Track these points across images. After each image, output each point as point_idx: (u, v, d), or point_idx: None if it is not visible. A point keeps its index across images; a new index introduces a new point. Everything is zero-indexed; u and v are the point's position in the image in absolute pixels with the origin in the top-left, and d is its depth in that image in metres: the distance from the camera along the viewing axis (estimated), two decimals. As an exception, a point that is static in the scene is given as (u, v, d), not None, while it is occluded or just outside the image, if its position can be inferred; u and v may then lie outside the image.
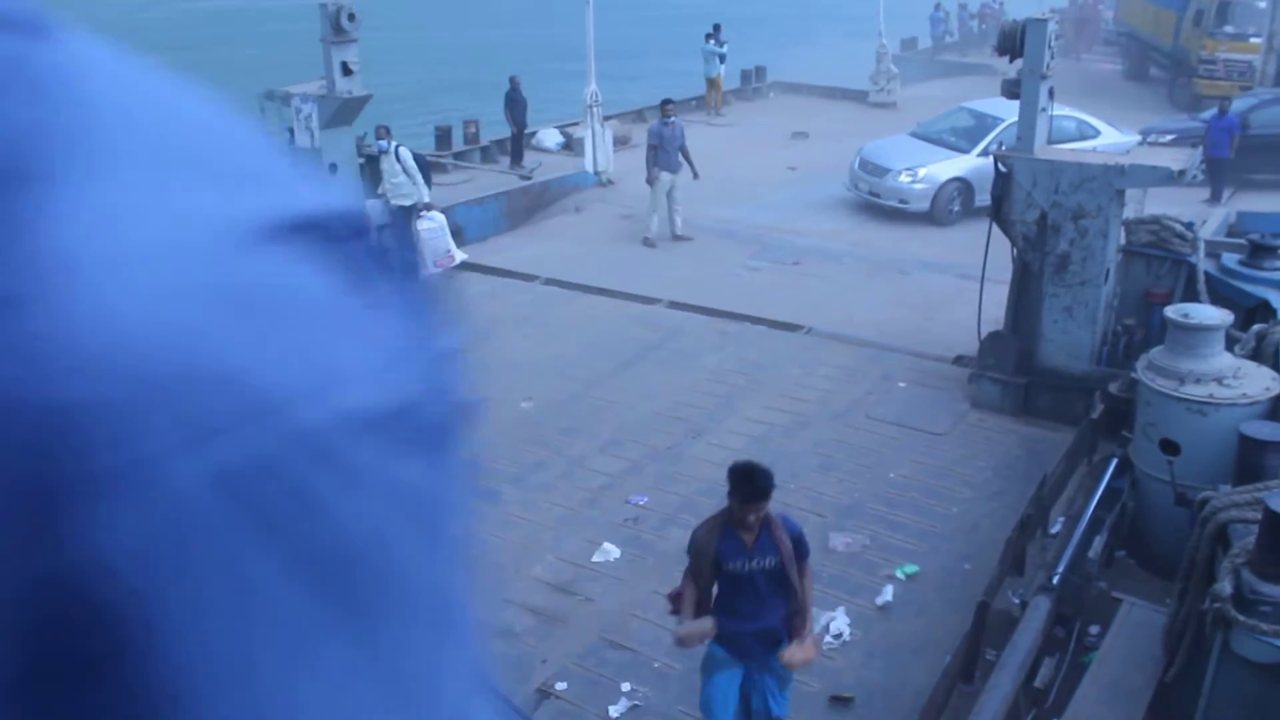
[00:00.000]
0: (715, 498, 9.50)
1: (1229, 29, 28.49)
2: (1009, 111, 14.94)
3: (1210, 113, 22.26)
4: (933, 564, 8.61)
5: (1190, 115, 24.14)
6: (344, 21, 15.46)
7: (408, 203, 14.92)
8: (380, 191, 15.08)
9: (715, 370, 12.36)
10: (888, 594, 8.15)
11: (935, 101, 26.52)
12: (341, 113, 15.77)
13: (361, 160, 16.64)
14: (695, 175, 17.54)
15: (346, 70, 15.63)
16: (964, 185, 18.46)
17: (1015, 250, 11.03)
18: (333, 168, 15.81)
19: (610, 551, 8.82)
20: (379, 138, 15.43)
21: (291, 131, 16.08)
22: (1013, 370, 11.17)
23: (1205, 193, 19.71)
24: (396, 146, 15.07)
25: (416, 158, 15.31)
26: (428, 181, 15.49)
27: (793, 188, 20.78)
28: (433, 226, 14.89)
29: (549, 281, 15.50)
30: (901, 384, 11.93)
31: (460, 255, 15.34)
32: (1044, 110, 10.83)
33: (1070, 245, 10.57)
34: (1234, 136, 20.21)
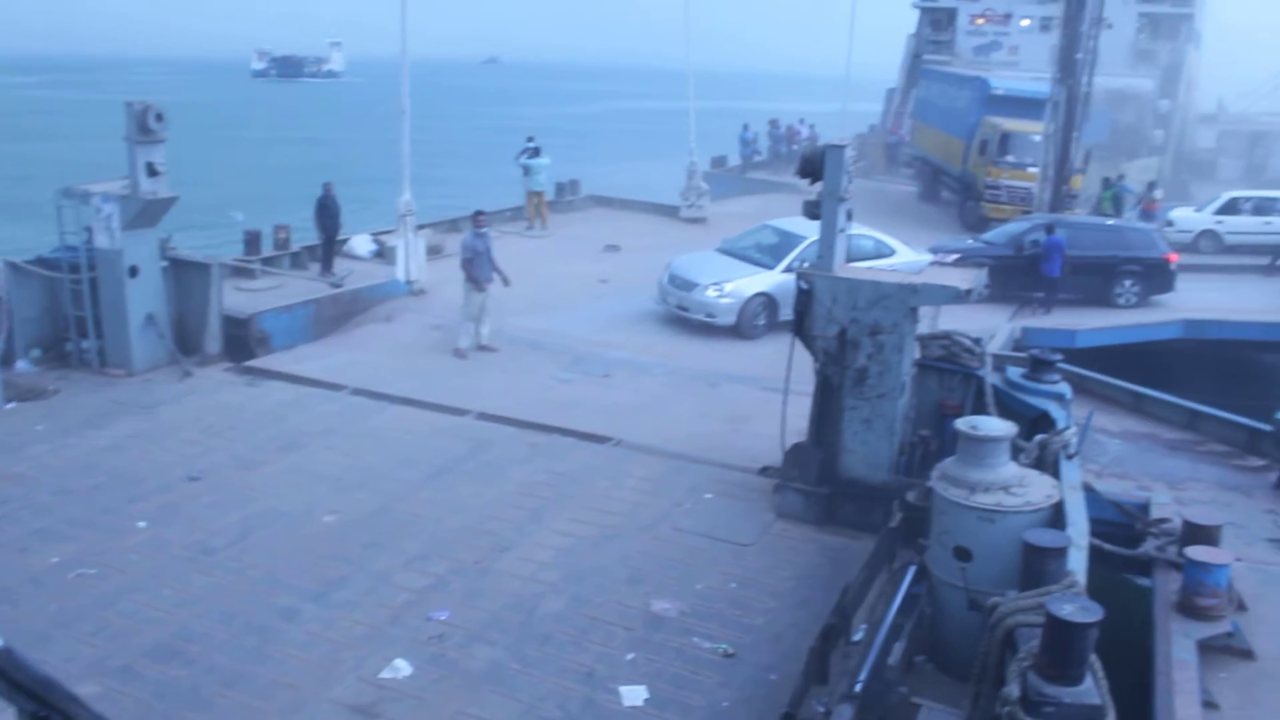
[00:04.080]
0: (522, 614, 9.42)
1: (1010, 158, 30.55)
2: (812, 229, 15.57)
3: (991, 234, 23.88)
4: (739, 676, 8.64)
5: (973, 236, 25.64)
6: (151, 121, 15.07)
7: None
8: None
9: (524, 482, 12.28)
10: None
11: (744, 218, 27.47)
12: (145, 214, 15.25)
13: (165, 263, 16.08)
14: (506, 282, 17.60)
15: (152, 171, 15.18)
16: (769, 300, 19.03)
17: (817, 364, 11.38)
18: (133, 271, 15.30)
19: (401, 668, 8.56)
20: None
21: (89, 231, 15.50)
22: (815, 481, 11.44)
23: (1001, 308, 20.87)
24: None
25: None
26: None
27: (604, 300, 21.09)
28: None
29: (357, 391, 15.22)
30: (708, 495, 12.07)
31: None
32: (842, 231, 11.31)
33: (868, 359, 10.97)
34: (1064, 254, 21.57)
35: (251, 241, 21.42)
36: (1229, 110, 52.74)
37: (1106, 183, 28.96)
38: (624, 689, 8.35)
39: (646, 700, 8.26)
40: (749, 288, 19.10)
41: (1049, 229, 22.28)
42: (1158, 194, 29.76)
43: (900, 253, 20.14)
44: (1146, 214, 28.34)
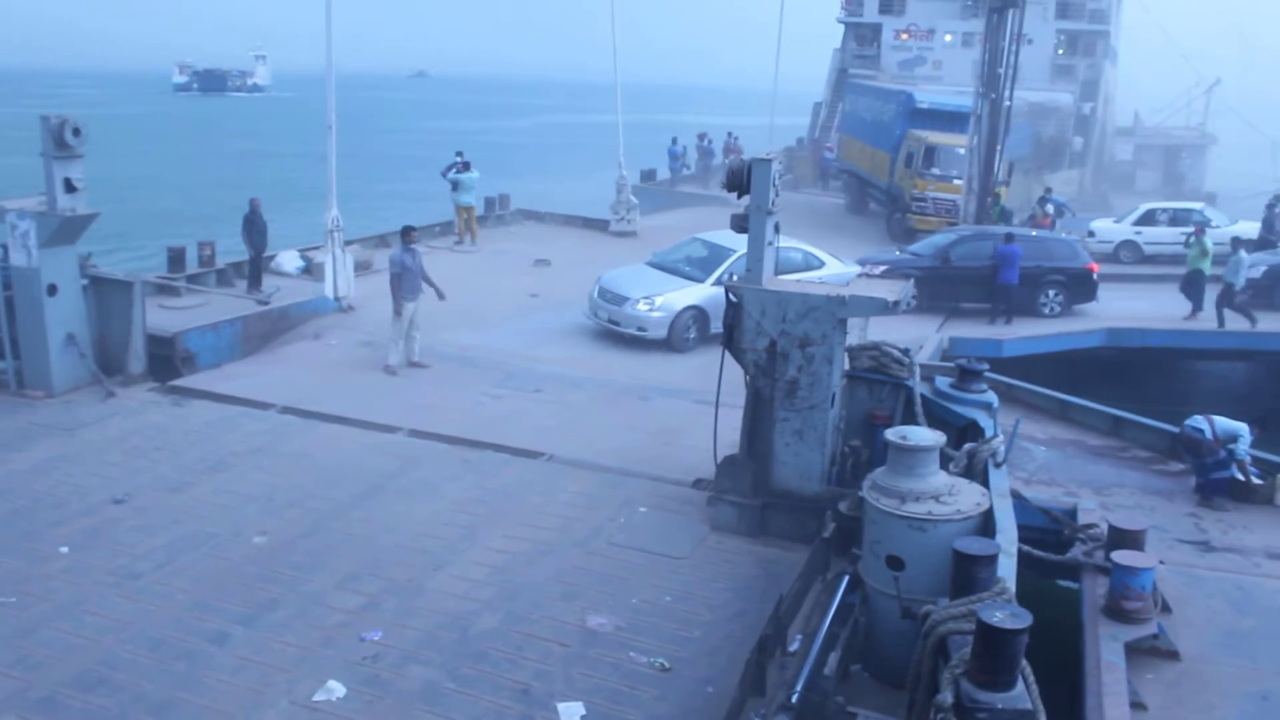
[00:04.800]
0: (456, 632, 9.34)
1: (936, 171, 30.99)
2: (741, 242, 15.70)
3: (918, 245, 24.24)
4: (677, 689, 8.64)
5: (900, 248, 25.97)
6: (68, 136, 14.76)
7: None
8: None
9: (457, 499, 12.18)
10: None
11: (674, 231, 27.57)
12: (63, 231, 14.93)
13: (85, 281, 15.75)
14: (441, 296, 17.54)
15: (70, 186, 14.88)
16: (699, 313, 19.09)
17: (748, 377, 11.43)
18: (52, 289, 14.97)
19: (334, 690, 8.43)
20: None
21: (5, 248, 15.15)
22: (748, 492, 11.48)
23: (929, 318, 21.13)
24: None
25: None
26: None
27: (535, 315, 21.03)
28: None
29: (286, 410, 15.01)
30: (643, 509, 12.06)
31: None
32: (770, 244, 11.37)
33: (798, 371, 11.04)
34: (1019, 264, 22.05)
35: (176, 258, 21.09)
36: (1145, 124, 54.05)
37: (996, 198, 29.48)
38: (561, 705, 8.31)
39: (583, 717, 8.22)
40: (679, 301, 19.14)
41: (1008, 238, 22.71)
42: (1050, 209, 30.12)
43: (829, 265, 20.32)
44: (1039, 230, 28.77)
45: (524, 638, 9.31)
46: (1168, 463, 13.34)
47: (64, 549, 10.72)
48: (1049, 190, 31.85)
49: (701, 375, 14.64)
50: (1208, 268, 22.87)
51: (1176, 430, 12.94)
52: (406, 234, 17.60)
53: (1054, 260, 23.30)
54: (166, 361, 16.50)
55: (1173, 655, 8.94)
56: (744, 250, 11.77)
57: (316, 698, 8.34)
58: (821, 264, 20.21)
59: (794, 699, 7.31)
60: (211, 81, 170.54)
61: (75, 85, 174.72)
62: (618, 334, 19.29)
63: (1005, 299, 22.46)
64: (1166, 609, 9.51)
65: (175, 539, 11.00)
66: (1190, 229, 25.96)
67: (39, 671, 8.59)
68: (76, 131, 14.95)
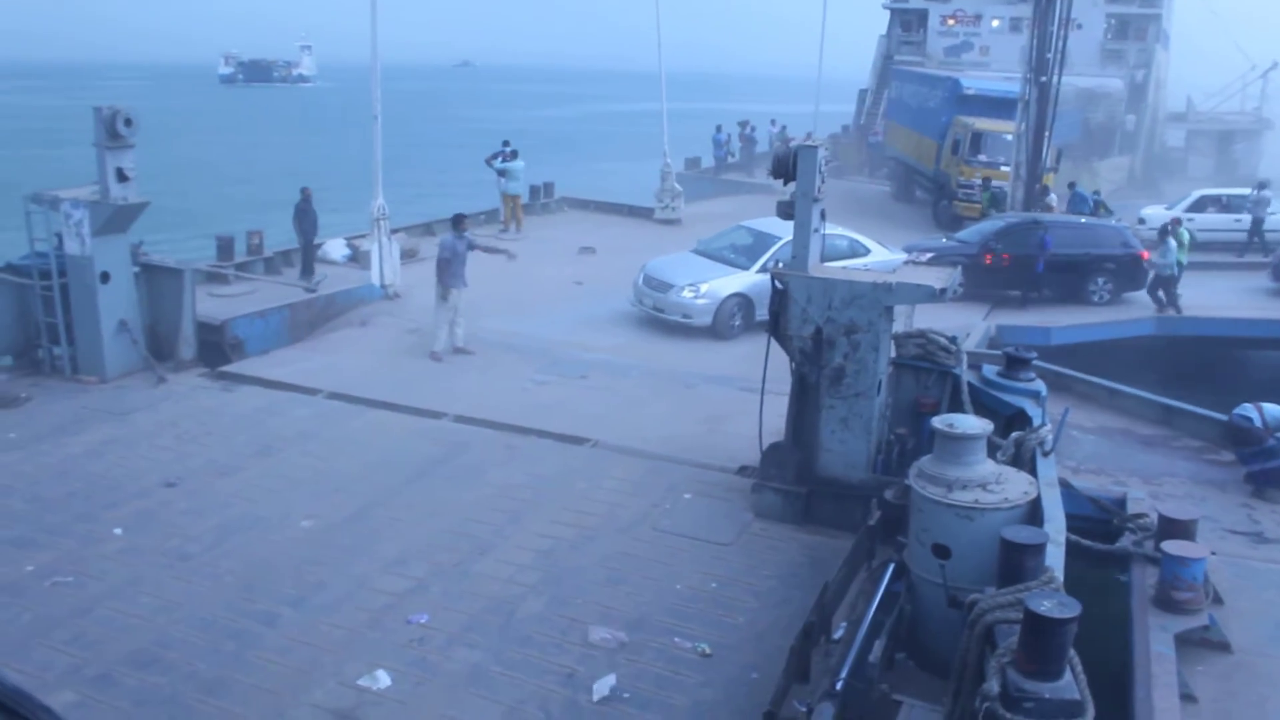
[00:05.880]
0: (501, 615, 9.40)
1: (982, 157, 30.67)
2: (786, 229, 15.64)
3: (965, 233, 24.09)
4: (721, 675, 8.65)
5: (947, 235, 25.75)
6: (120, 126, 14.97)
7: None
8: None
9: (502, 485, 12.24)
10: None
11: (719, 218, 27.49)
12: (115, 220, 15.14)
13: (137, 269, 15.97)
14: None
15: (122, 176, 15.08)
16: (744, 300, 19.05)
17: (793, 364, 11.40)
18: (104, 277, 15.18)
19: (380, 679, 8.45)
20: None
21: (59, 237, 15.39)
22: (793, 480, 11.45)
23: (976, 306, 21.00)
24: None
25: None
26: None
27: (580, 302, 21.07)
28: None
29: (332, 396, 15.15)
30: (687, 495, 12.07)
31: None
32: (816, 230, 11.33)
33: (844, 359, 11.00)
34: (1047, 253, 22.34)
35: (225, 247, 21.33)
36: (1197, 109, 53.21)
37: (985, 184, 29.08)
38: (595, 684, 8.36)
39: (613, 687, 8.29)
40: (724, 288, 19.12)
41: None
42: (1051, 199, 29.56)
43: (875, 252, 20.22)
44: None
45: (569, 622, 9.35)
46: (1219, 452, 13.17)
47: (118, 530, 10.90)
48: (1072, 185, 31.25)
49: (746, 362, 14.62)
50: (1184, 258, 22.59)
51: (1227, 419, 12.79)
52: (458, 222, 17.68)
53: (1103, 248, 23.07)
54: (216, 348, 16.71)
55: (1224, 647, 8.84)
56: (789, 237, 11.72)
57: (361, 682, 8.42)
58: (867, 251, 20.13)
59: (838, 686, 7.29)
60: (257, 72, 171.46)
61: (124, 77, 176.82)
62: (663, 321, 19.30)
63: (1037, 287, 22.52)
64: (1218, 600, 9.41)
65: (225, 521, 11.16)
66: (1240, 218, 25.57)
67: (95, 649, 8.75)
68: (128, 122, 15.15)
